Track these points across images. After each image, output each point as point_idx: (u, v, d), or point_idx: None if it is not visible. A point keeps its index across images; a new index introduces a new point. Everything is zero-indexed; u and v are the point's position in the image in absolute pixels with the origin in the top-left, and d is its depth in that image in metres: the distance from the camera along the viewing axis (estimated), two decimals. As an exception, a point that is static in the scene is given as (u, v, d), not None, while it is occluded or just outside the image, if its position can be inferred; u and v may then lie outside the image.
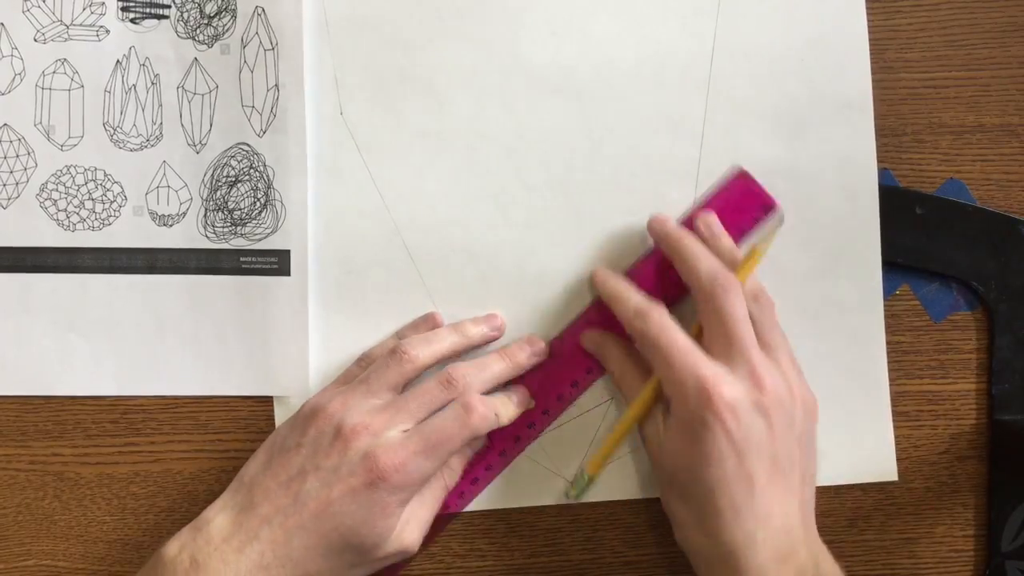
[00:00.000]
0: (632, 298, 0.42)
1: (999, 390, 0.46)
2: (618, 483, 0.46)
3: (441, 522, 0.46)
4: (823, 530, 0.41)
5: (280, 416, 0.46)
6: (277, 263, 0.46)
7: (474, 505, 0.46)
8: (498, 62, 0.46)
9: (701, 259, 0.41)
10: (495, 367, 0.44)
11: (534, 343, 0.45)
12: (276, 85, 0.45)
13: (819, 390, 0.42)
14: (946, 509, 0.47)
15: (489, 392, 0.44)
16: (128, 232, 0.46)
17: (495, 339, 0.46)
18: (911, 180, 0.46)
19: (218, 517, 0.41)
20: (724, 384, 0.38)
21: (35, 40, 0.46)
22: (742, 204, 0.45)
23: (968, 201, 0.46)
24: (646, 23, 0.46)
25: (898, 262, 0.46)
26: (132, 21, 0.46)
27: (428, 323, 0.46)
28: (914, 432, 0.47)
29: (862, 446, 0.46)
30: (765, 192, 0.45)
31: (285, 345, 0.46)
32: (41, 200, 0.46)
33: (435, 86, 0.46)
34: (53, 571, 0.47)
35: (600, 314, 0.45)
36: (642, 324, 0.41)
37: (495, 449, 0.46)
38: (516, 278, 0.46)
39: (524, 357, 0.45)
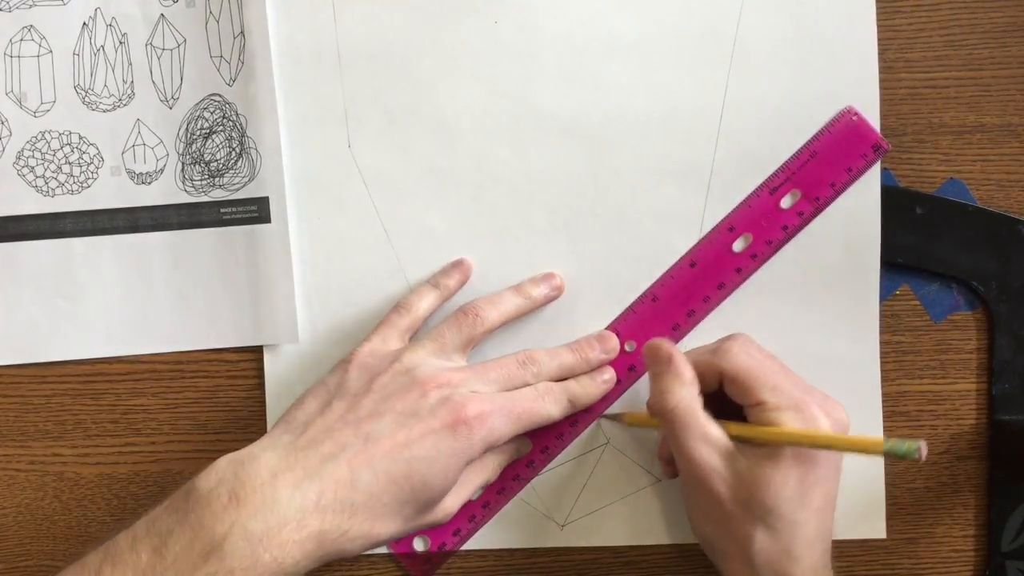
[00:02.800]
0: None
1: (999, 390, 0.46)
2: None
3: (437, 559, 0.45)
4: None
5: (271, 363, 0.46)
6: (257, 211, 0.46)
7: (468, 545, 0.46)
8: (508, 104, 0.46)
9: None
10: (567, 359, 0.44)
11: (605, 344, 0.45)
12: (242, 32, 0.45)
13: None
14: (946, 509, 0.47)
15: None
16: (107, 193, 0.46)
17: (555, 298, 0.45)
18: (911, 180, 0.46)
19: (266, 453, 0.37)
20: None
21: (0, 10, 0.46)
22: (852, 144, 0.44)
23: (968, 201, 0.46)
24: (657, 71, 0.46)
25: (898, 262, 0.46)
26: None
27: (460, 268, 0.45)
28: (914, 432, 0.46)
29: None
30: (875, 132, 0.45)
31: (272, 292, 0.46)
32: (18, 168, 0.46)
33: (444, 124, 0.46)
34: (53, 571, 0.47)
35: None
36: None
37: (493, 487, 0.46)
38: (517, 319, 0.45)
39: (595, 354, 0.44)
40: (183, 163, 0.46)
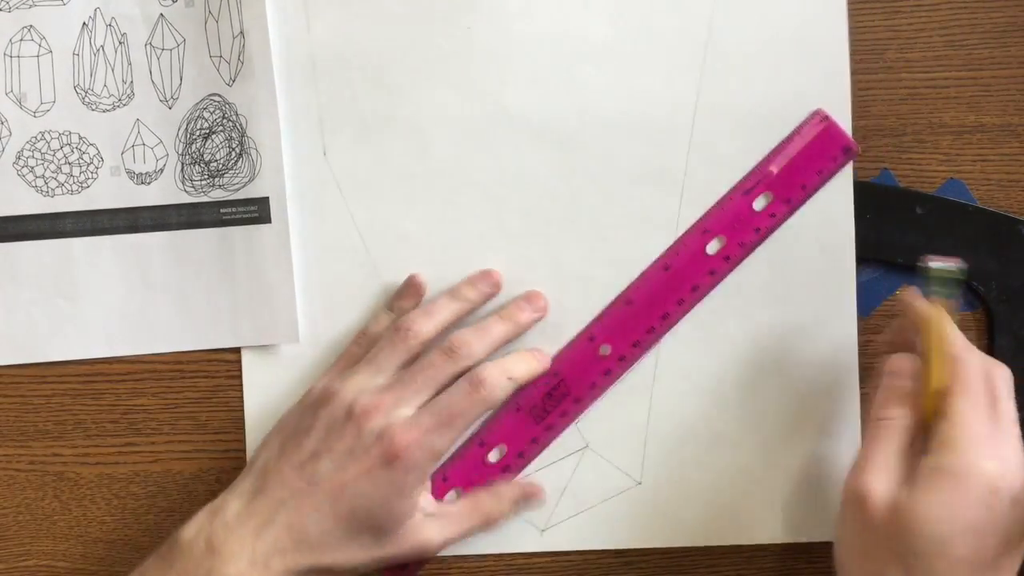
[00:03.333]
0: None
1: (999, 390, 0.46)
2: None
3: (412, 569, 0.45)
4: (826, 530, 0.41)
5: (252, 364, 0.46)
6: (257, 211, 0.46)
7: (446, 552, 0.45)
8: (482, 107, 0.46)
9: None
10: (496, 329, 0.44)
11: (533, 300, 0.45)
12: (242, 32, 0.45)
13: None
14: (946, 509, 0.47)
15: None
16: (107, 193, 0.46)
17: (494, 295, 0.45)
18: (911, 180, 0.46)
19: (233, 502, 0.41)
20: None
21: (0, 10, 0.46)
22: (823, 148, 0.45)
23: (968, 201, 0.46)
24: (631, 75, 0.46)
25: (898, 262, 0.46)
26: None
27: (412, 288, 0.45)
28: (914, 432, 0.46)
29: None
30: (846, 136, 0.45)
31: (272, 292, 0.46)
32: (18, 168, 0.46)
33: (419, 129, 0.46)
34: (53, 571, 0.47)
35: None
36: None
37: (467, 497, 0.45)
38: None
39: (525, 316, 0.45)
40: (183, 163, 0.46)
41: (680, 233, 0.46)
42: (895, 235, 0.46)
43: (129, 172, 0.46)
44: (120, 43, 0.46)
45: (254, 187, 0.46)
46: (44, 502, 0.47)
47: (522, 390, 0.45)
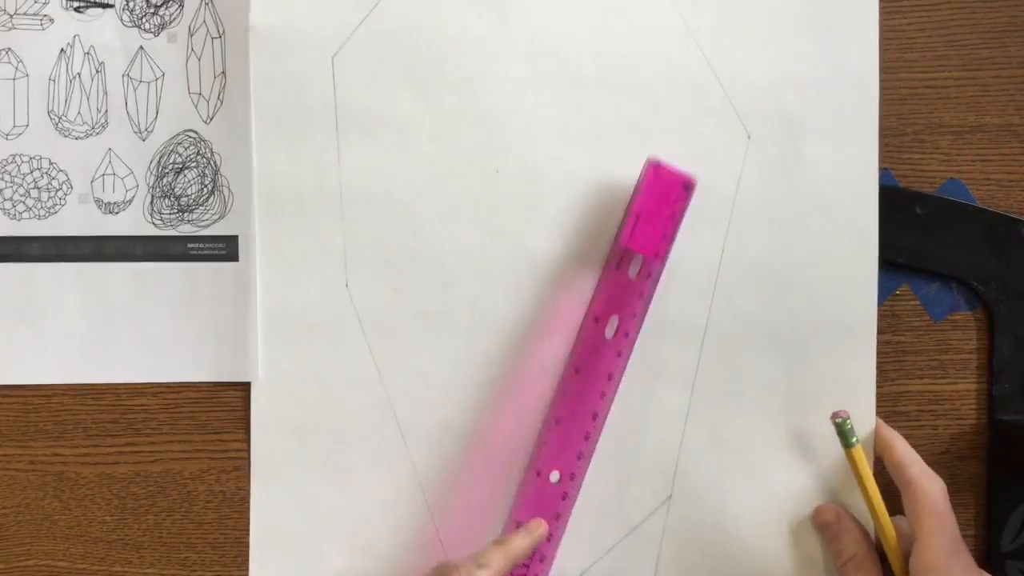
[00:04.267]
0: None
1: (999, 390, 0.46)
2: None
3: None
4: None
5: (257, 400, 0.46)
6: (225, 248, 0.46)
7: None
8: (506, 249, 0.46)
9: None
10: (518, 550, 0.43)
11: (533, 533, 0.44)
12: (223, 72, 0.46)
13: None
14: (946, 509, 0.47)
15: None
16: (74, 220, 0.46)
17: (540, 545, 0.44)
18: (911, 180, 0.46)
19: None
20: None
21: None
22: (665, 192, 0.44)
23: (968, 201, 0.46)
24: None
25: (898, 262, 0.46)
26: (76, 10, 0.46)
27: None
28: (914, 432, 0.46)
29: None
30: (680, 173, 0.44)
31: (235, 329, 0.46)
32: None
33: (441, 267, 0.46)
34: (53, 571, 0.47)
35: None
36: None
37: None
38: (507, 464, 0.45)
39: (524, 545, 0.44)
40: (153, 196, 0.46)
41: (695, 386, 0.46)
42: (895, 235, 0.46)
43: (98, 201, 0.46)
44: (97, 71, 0.46)
45: (224, 224, 0.46)
46: (44, 502, 0.47)
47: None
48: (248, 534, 0.46)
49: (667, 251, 0.44)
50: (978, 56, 0.46)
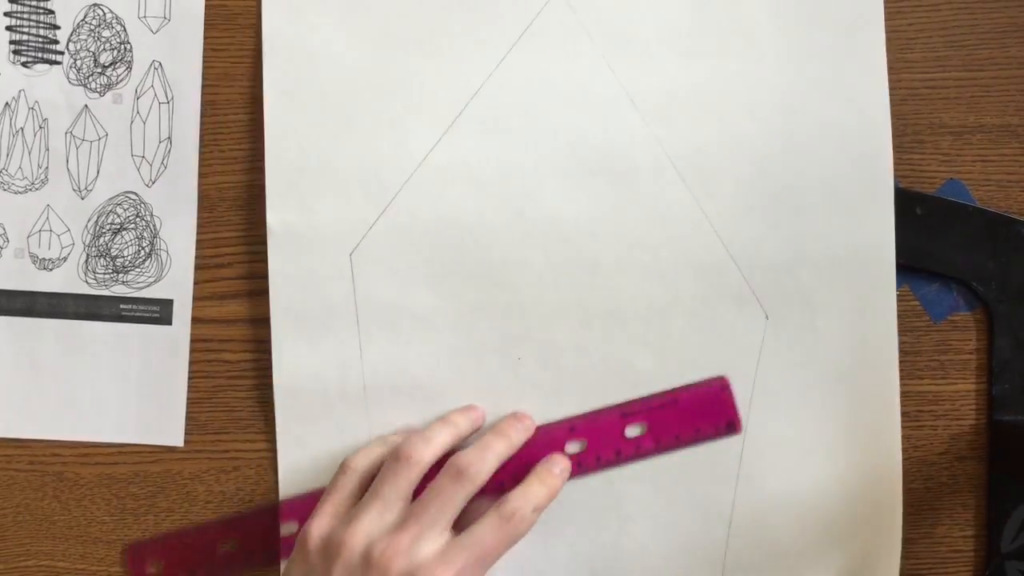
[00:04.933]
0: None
1: (999, 390, 0.46)
2: None
3: None
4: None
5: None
6: (159, 312, 0.46)
7: None
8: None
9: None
10: (496, 447, 0.42)
11: (522, 418, 0.45)
12: (169, 138, 0.46)
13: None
14: (946, 509, 0.47)
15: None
16: (8, 274, 0.46)
17: (478, 428, 0.45)
18: (911, 180, 0.46)
19: None
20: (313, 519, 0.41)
21: None
22: (708, 409, 0.45)
23: (968, 202, 0.46)
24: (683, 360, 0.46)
25: (898, 263, 0.46)
26: (24, 65, 0.46)
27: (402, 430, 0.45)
28: (914, 432, 0.47)
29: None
30: (736, 412, 0.45)
31: (163, 394, 0.46)
32: None
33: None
34: (53, 571, 0.47)
35: None
36: None
37: None
38: None
39: (517, 435, 0.44)
40: (88, 255, 0.46)
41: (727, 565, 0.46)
42: (896, 236, 0.46)
43: (32, 256, 0.46)
44: (40, 127, 0.46)
45: (159, 288, 0.46)
46: (44, 502, 0.47)
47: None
48: (248, 534, 0.46)
49: (667, 448, 0.45)
50: (978, 57, 0.46)
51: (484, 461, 0.41)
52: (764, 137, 0.46)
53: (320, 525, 0.41)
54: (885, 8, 0.46)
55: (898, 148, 0.46)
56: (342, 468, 0.43)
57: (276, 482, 0.46)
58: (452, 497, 0.40)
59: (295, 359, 0.46)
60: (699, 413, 0.45)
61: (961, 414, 0.47)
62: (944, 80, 0.46)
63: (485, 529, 0.40)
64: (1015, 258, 0.46)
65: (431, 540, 0.39)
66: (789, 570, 0.46)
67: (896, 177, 0.46)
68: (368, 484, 0.42)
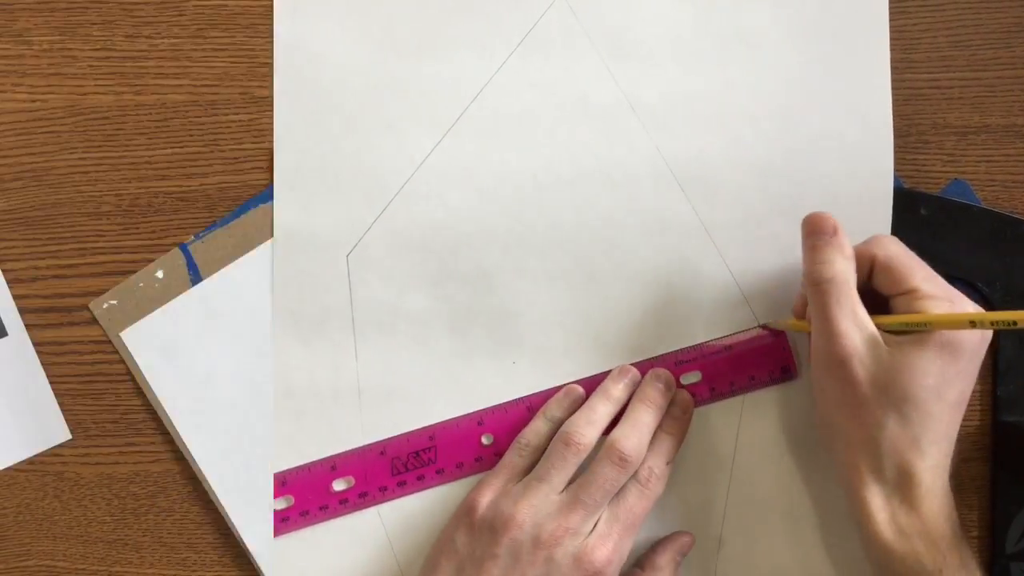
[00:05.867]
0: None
1: (1004, 391, 0.46)
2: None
3: None
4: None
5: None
6: None
7: None
8: None
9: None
10: (650, 421, 0.43)
11: (626, 372, 0.45)
12: None
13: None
14: (949, 511, 0.47)
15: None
16: None
17: (632, 392, 0.45)
18: (916, 181, 0.46)
19: None
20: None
21: None
22: (764, 358, 0.45)
23: (973, 202, 0.46)
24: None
25: (902, 263, 0.46)
26: None
27: (572, 398, 0.45)
28: (917, 434, 0.46)
29: None
30: (792, 357, 0.45)
31: (27, 400, 0.46)
32: None
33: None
34: (53, 571, 0.47)
35: None
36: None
37: None
38: None
39: (657, 395, 0.44)
40: None
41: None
42: (899, 236, 0.45)
43: None
44: None
45: None
46: (44, 502, 0.47)
47: (394, 440, 0.45)
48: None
49: (722, 395, 0.46)
50: (983, 57, 0.46)
51: (643, 444, 0.43)
52: (764, 146, 0.45)
53: (489, 498, 0.43)
54: (890, 8, 0.46)
55: (902, 148, 0.46)
56: (514, 446, 0.44)
57: (270, 481, 0.46)
58: (614, 481, 0.42)
59: (291, 360, 0.46)
60: (753, 361, 0.45)
61: (965, 415, 0.46)
62: (949, 80, 0.46)
63: (630, 499, 0.42)
64: (1020, 258, 0.46)
65: (593, 521, 0.41)
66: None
67: (900, 177, 0.46)
68: (535, 461, 0.44)
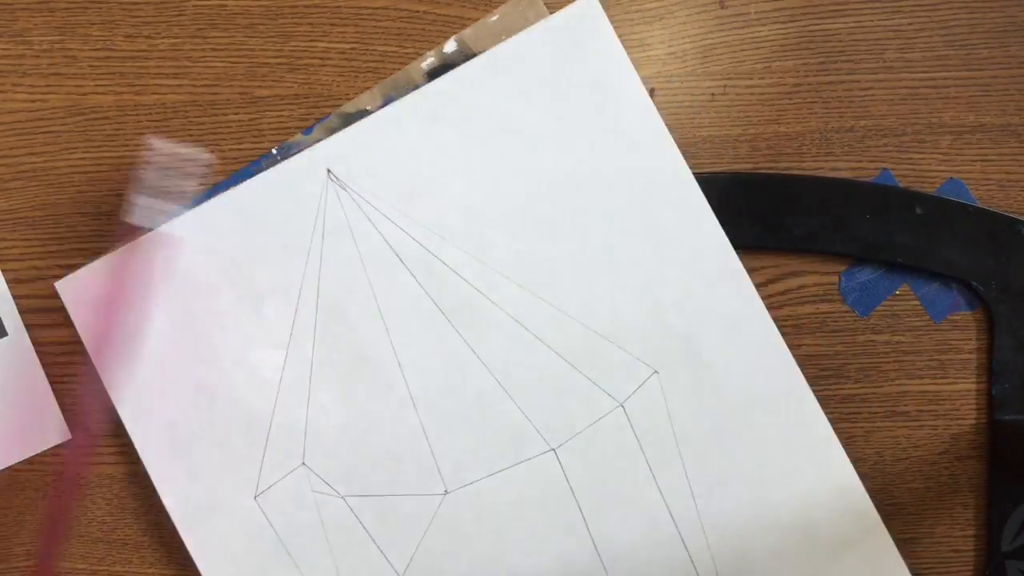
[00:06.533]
0: None
1: (999, 390, 0.46)
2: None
3: None
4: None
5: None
6: None
7: None
8: None
9: None
10: None
11: None
12: None
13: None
14: (946, 509, 0.47)
15: None
16: None
17: None
18: (911, 180, 0.46)
19: None
20: None
21: None
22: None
23: (968, 201, 0.46)
24: (620, 494, 0.45)
25: (898, 262, 0.46)
26: None
27: None
28: (914, 432, 0.47)
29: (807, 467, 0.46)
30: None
31: (28, 401, 0.46)
32: None
33: None
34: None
35: None
36: None
37: None
38: None
39: None
40: None
41: None
42: (895, 235, 0.46)
43: None
44: None
45: None
46: (44, 502, 0.47)
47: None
48: (248, 534, 0.46)
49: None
50: (978, 56, 0.46)
51: None
52: (574, 215, 0.45)
53: None
54: (886, 8, 0.46)
55: (898, 147, 0.46)
56: None
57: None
58: None
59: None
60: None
61: (961, 414, 0.47)
62: (944, 79, 0.46)
63: None
64: (1015, 257, 0.46)
65: None
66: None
67: (896, 176, 0.46)
68: None
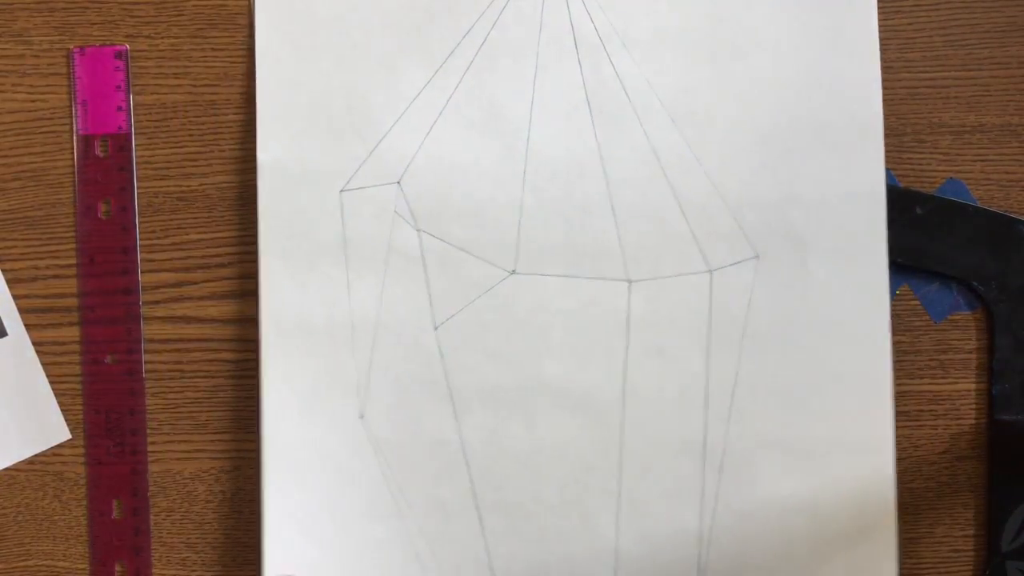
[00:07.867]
0: None
1: (999, 390, 0.46)
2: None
3: None
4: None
5: (270, 538, 0.46)
6: None
7: None
8: (519, 378, 0.45)
9: None
10: None
11: None
12: None
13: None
14: (946, 509, 0.47)
15: None
16: None
17: None
18: (911, 180, 0.46)
19: None
20: None
21: None
22: (101, 69, 0.46)
23: (968, 201, 0.46)
24: (669, 351, 0.45)
25: (898, 262, 0.46)
26: None
27: None
28: (914, 432, 0.47)
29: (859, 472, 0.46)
30: (107, 46, 0.46)
31: (27, 400, 0.46)
32: None
33: (457, 397, 0.46)
34: (53, 571, 0.47)
35: None
36: None
37: None
38: None
39: None
40: None
41: (716, 511, 0.45)
42: (895, 235, 0.46)
43: None
44: None
45: None
46: (44, 502, 0.47)
47: None
48: (248, 534, 0.46)
49: (129, 122, 0.46)
50: (978, 56, 0.46)
51: None
52: (753, 79, 0.45)
53: None
54: (885, 7, 0.46)
55: (898, 147, 0.46)
56: None
57: (261, 426, 0.46)
58: None
59: (282, 297, 0.45)
60: (103, 80, 0.46)
61: (961, 414, 0.47)
62: (944, 79, 0.46)
63: None
64: (1015, 257, 0.46)
65: None
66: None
67: (896, 176, 0.46)
68: None
